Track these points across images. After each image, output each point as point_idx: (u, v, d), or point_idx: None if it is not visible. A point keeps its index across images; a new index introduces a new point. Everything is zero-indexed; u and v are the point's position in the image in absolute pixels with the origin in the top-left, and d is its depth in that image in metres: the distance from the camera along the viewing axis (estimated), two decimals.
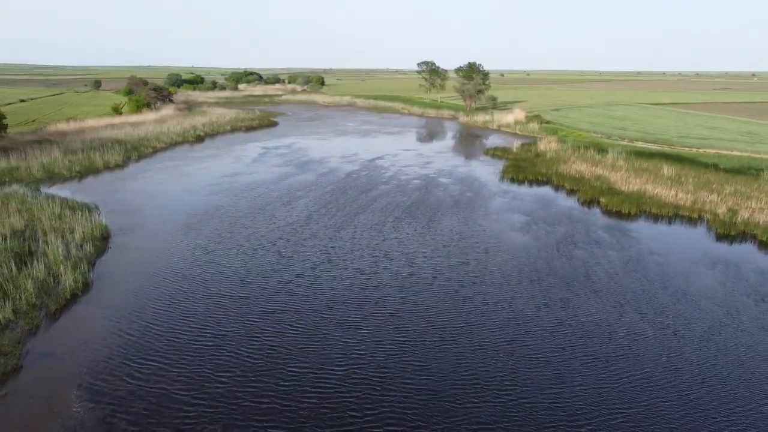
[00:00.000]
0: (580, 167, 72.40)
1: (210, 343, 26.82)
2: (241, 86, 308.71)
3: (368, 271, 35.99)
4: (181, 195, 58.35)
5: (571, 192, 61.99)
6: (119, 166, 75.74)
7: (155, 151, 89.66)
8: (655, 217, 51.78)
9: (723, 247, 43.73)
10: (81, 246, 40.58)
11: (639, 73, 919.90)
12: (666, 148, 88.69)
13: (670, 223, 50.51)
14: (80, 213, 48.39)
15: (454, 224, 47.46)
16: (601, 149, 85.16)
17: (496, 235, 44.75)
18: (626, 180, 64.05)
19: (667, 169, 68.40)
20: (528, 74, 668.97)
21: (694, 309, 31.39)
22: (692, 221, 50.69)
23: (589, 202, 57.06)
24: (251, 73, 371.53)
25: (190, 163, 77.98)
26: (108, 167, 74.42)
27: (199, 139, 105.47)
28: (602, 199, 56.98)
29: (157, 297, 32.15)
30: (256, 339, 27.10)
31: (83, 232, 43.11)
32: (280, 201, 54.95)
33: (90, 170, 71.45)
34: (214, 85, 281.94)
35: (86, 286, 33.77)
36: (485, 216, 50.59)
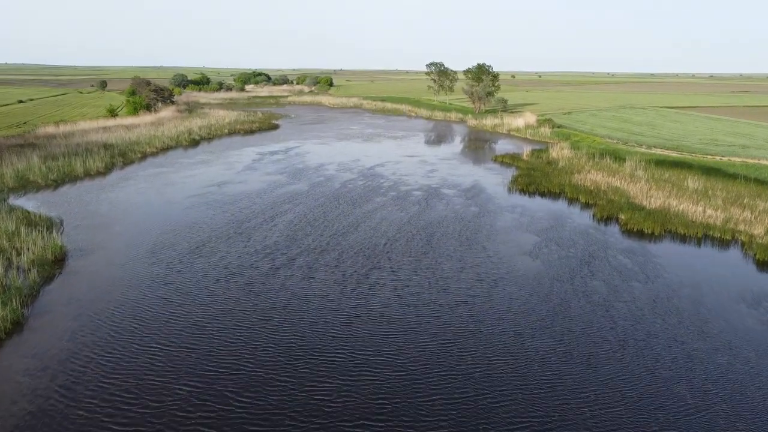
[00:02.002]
0: (595, 177, 66.69)
1: (136, 412, 21.50)
2: (248, 87, 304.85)
3: (348, 313, 30.40)
4: (158, 208, 53.27)
5: (586, 206, 56.29)
6: (101, 173, 70.87)
7: (144, 156, 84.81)
8: (682, 238, 46.00)
9: (765, 277, 37.87)
10: (28, 271, 35.55)
11: (652, 75, 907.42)
12: (688, 156, 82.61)
13: (699, 245, 44.73)
14: (39, 230, 43.39)
15: (456, 248, 41.88)
16: (618, 157, 79.36)
17: (502, 262, 39.12)
18: (647, 193, 58.27)
19: (691, 181, 62.52)
20: (539, 76, 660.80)
21: (741, 368, 25.65)
22: (725, 243, 44.86)
23: (606, 219, 51.35)
24: (259, 74, 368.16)
25: (178, 170, 73.01)
26: (89, 174, 69.58)
27: (194, 143, 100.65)
28: (621, 216, 51.21)
29: (93, 343, 26.90)
30: (187, 415, 21.65)
31: (34, 254, 38.14)
32: (263, 216, 49.65)
33: (68, 178, 66.62)
34: (220, 86, 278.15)
35: (16, 327, 28.61)
36: (490, 237, 45.01)
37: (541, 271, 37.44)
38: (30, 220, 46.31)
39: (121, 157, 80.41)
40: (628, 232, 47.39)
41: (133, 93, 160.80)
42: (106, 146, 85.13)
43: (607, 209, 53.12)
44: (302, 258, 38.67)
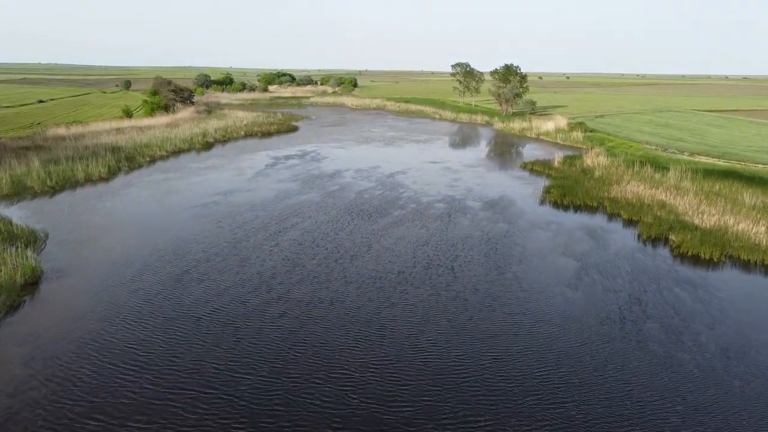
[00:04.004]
0: (636, 189, 60.27)
1: None
2: (271, 88, 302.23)
3: (350, 369, 24.66)
4: (154, 220, 48.64)
5: (628, 223, 50.12)
6: (104, 178, 66.80)
7: (153, 160, 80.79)
8: (746, 266, 39.64)
9: None
10: None
11: (683, 76, 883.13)
12: (737, 165, 75.54)
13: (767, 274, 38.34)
14: (17, 245, 38.94)
15: (483, 277, 36.11)
16: (659, 165, 72.69)
17: (540, 297, 33.16)
18: (697, 209, 51.79)
19: (747, 195, 55.75)
20: (567, 77, 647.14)
21: None
22: None
23: (654, 240, 45.17)
24: (283, 75, 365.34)
25: (185, 177, 68.58)
26: (90, 180, 65.57)
27: (208, 145, 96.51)
28: (672, 237, 45.00)
29: (35, 402, 21.97)
30: None
31: (1, 276, 33.59)
32: (266, 232, 44.56)
33: (67, 184, 62.65)
34: (243, 87, 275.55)
35: None
36: (523, 262, 39.19)
37: (585, 309, 31.52)
38: (11, 234, 41.98)
39: (128, 161, 76.37)
40: (681, 257, 41.17)
41: (155, 93, 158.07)
42: (114, 149, 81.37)
43: (655, 228, 46.90)
44: (301, 288, 33.25)
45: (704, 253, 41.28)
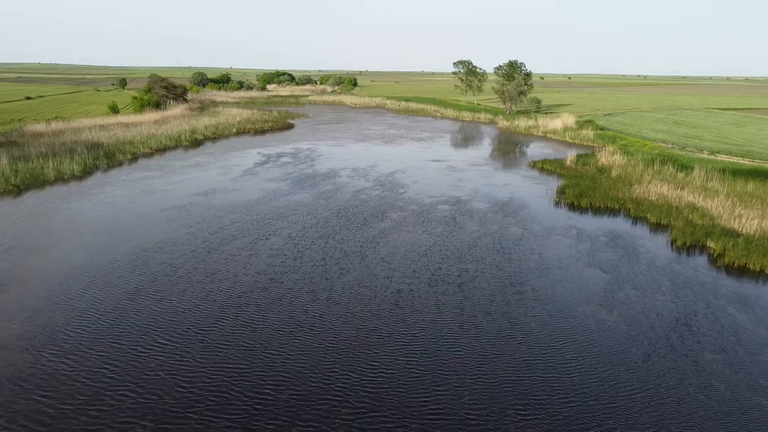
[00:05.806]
0: (660, 189, 54.59)
1: None
2: (269, 87, 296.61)
3: (329, 428, 19.14)
4: (121, 224, 42.93)
5: (657, 227, 44.50)
6: (77, 177, 61.17)
7: (135, 157, 75.22)
8: None
9: None
10: None
11: (684, 77, 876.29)
12: (764, 164, 69.89)
13: None
14: None
15: (498, 294, 30.29)
16: (680, 164, 66.98)
17: (566, 319, 27.37)
18: (733, 212, 46.07)
19: None
20: (569, 77, 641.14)
21: None
22: None
23: (689, 248, 39.45)
24: (282, 74, 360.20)
25: (167, 175, 62.92)
26: (62, 179, 60.01)
27: (196, 143, 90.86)
28: (711, 244, 39.33)
29: None
30: None
31: None
32: (246, 238, 38.78)
33: (36, 183, 57.08)
34: (241, 85, 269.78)
35: None
36: (543, 275, 33.39)
37: (625, 336, 25.73)
38: None
39: (107, 158, 70.80)
40: (726, 269, 35.40)
41: (149, 91, 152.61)
42: (94, 146, 75.85)
43: (689, 233, 41.18)
44: (277, 312, 27.25)
45: (752, 264, 35.54)
